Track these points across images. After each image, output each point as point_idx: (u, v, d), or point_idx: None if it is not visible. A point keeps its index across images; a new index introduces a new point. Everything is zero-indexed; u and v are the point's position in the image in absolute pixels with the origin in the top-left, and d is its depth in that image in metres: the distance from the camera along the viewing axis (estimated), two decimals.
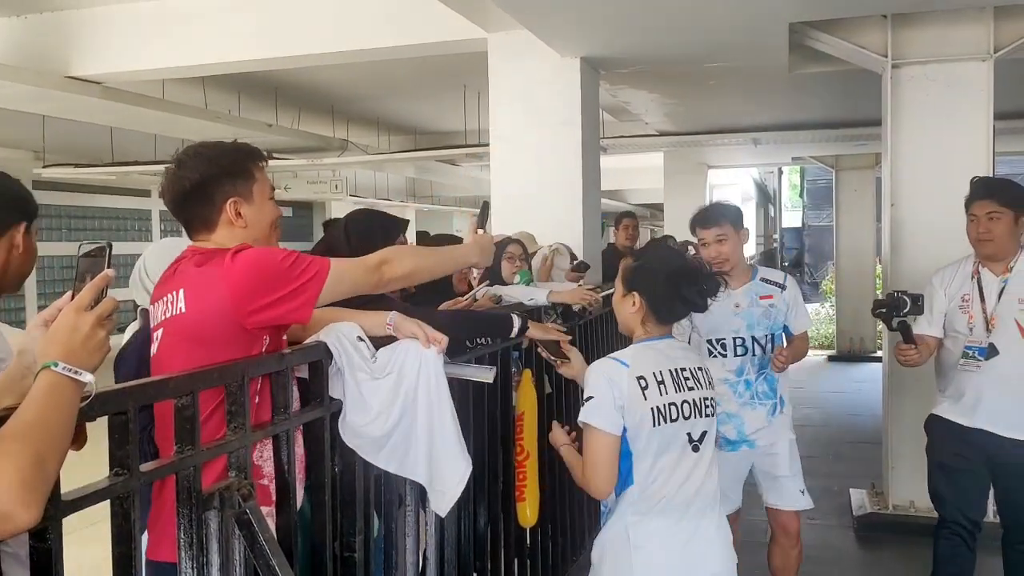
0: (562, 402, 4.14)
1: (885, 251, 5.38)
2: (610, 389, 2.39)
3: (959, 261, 3.73)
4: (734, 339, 3.56)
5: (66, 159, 12.11)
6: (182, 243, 2.64)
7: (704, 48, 5.62)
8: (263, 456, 1.98)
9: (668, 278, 2.49)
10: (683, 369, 2.49)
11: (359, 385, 2.13)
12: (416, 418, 2.20)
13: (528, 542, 3.83)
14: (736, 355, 3.57)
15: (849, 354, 12.50)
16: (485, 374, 2.66)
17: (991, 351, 3.49)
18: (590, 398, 2.42)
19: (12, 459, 1.13)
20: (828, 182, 16.13)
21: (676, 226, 12.35)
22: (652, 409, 2.39)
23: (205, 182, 2.04)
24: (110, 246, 1.42)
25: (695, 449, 2.48)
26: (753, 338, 3.55)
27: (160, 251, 2.63)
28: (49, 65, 6.93)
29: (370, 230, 2.74)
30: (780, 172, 24.21)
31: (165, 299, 1.99)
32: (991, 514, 5.04)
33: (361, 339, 2.16)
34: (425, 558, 2.76)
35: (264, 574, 1.77)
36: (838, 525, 5.28)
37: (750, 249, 24.92)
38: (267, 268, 1.91)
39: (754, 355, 3.56)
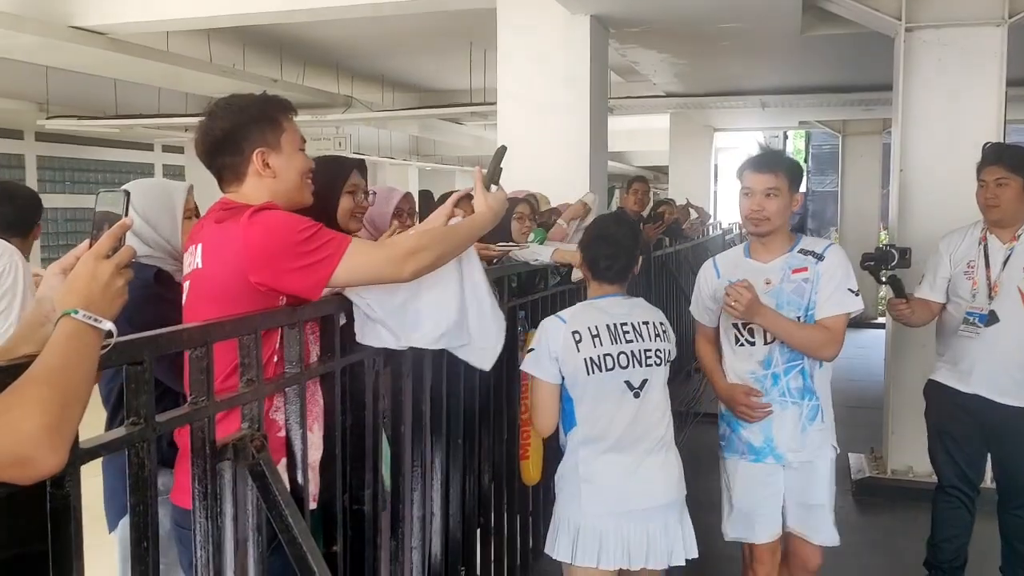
0: None
1: (892, 217, 5.36)
2: (547, 343, 2.74)
3: (968, 227, 3.70)
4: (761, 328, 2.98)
5: (69, 111, 12.02)
6: (169, 183, 2.62)
7: (717, 8, 5.57)
8: (277, 409, 2.00)
9: (592, 241, 2.87)
10: (623, 324, 2.77)
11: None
12: (449, 284, 2.24)
13: (531, 500, 3.87)
14: (766, 342, 2.98)
15: (851, 320, 12.47)
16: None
17: (991, 318, 3.50)
18: (531, 350, 2.80)
19: (38, 403, 1.13)
20: (833, 147, 16.06)
21: (680, 189, 12.31)
22: (585, 360, 2.70)
23: (234, 131, 2.03)
24: (128, 194, 1.41)
25: (636, 395, 2.75)
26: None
27: (149, 192, 2.51)
28: (53, 15, 6.87)
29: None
30: (785, 137, 24.06)
31: (189, 251, 2.03)
32: (988, 480, 5.10)
33: None
34: (432, 513, 2.79)
35: (276, 524, 1.79)
36: (837, 489, 5.30)
37: None
38: (280, 238, 1.88)
39: (783, 342, 2.96)
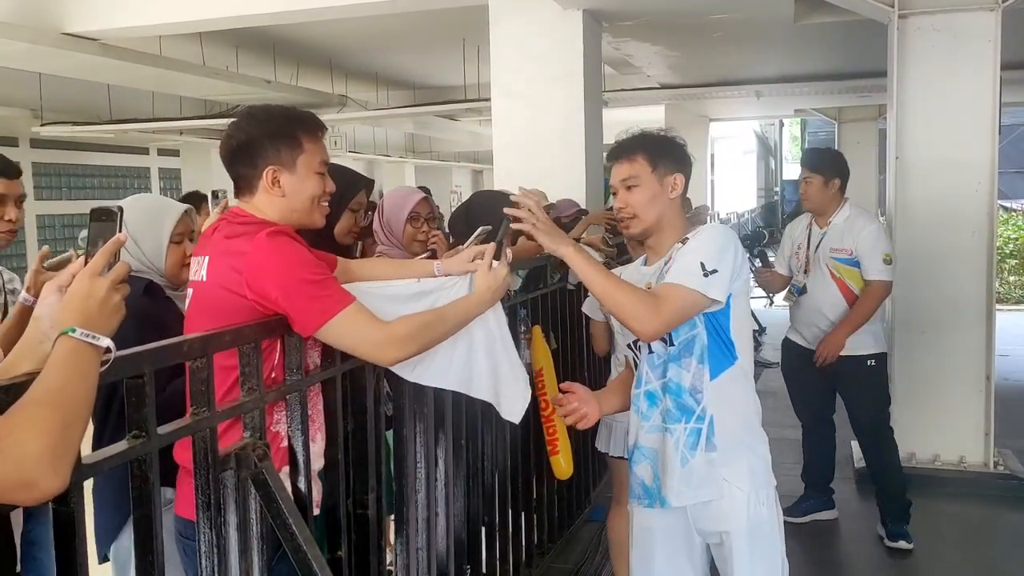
0: (568, 358, 4.16)
1: (890, 203, 5.36)
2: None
3: (807, 214, 4.53)
4: (635, 340, 2.42)
5: (64, 117, 12.00)
6: (166, 203, 2.60)
7: None
8: (279, 421, 2.00)
9: None
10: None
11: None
12: (473, 337, 2.26)
13: (535, 496, 3.88)
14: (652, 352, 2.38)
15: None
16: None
17: (803, 290, 4.43)
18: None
19: (39, 425, 1.13)
20: (829, 134, 16.05)
21: None
22: None
23: (250, 143, 2.01)
24: (121, 210, 1.42)
25: None
26: None
27: (142, 209, 2.50)
28: (45, 22, 6.85)
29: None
30: (781, 124, 24.08)
31: (196, 260, 2.03)
32: (992, 465, 5.12)
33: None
34: (436, 513, 2.80)
35: (280, 533, 1.79)
36: (839, 477, 5.32)
37: (751, 202, 24.88)
38: (284, 274, 1.88)
39: (651, 352, 2.33)
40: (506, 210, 2.25)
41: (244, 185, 2.05)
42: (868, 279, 4.25)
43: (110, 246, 1.35)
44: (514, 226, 2.23)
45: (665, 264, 2.30)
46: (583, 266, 2.23)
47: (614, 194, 2.38)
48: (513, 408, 2.41)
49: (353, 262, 2.41)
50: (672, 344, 2.27)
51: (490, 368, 2.32)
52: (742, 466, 2.28)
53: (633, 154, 2.35)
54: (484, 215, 3.21)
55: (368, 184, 2.82)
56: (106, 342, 1.28)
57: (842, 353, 4.26)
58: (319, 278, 1.90)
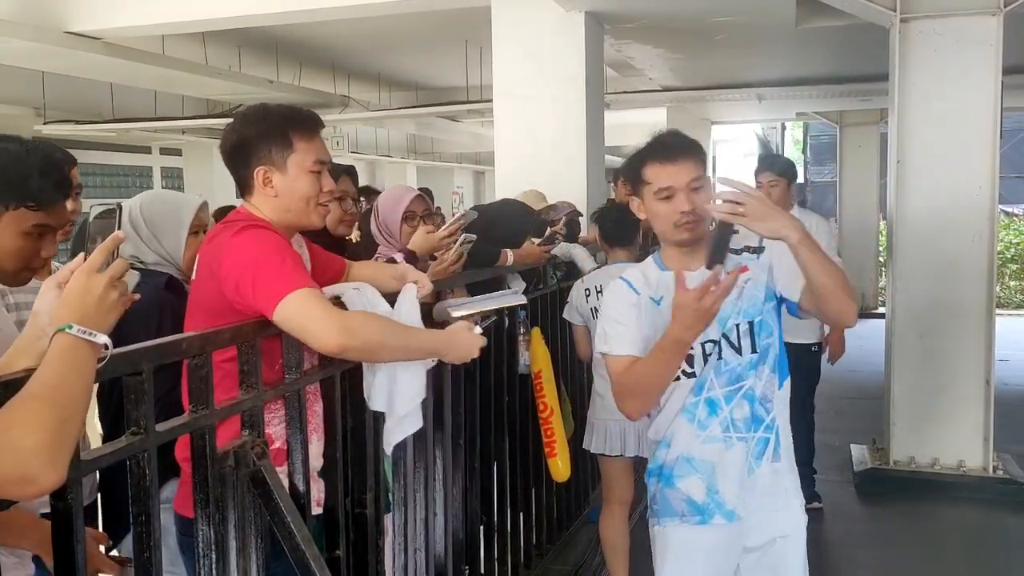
0: (567, 360, 4.17)
1: (891, 208, 5.36)
2: (573, 297, 3.79)
3: None
4: (703, 345, 2.20)
5: (66, 116, 12.00)
6: (183, 197, 2.64)
7: (712, 2, 5.57)
8: (273, 422, 2.00)
9: (600, 213, 3.98)
10: None
11: None
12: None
13: (533, 498, 3.88)
14: (705, 364, 2.25)
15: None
16: (513, 299, 2.58)
17: None
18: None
19: (36, 420, 1.14)
20: (831, 137, 16.03)
21: None
22: (591, 308, 3.61)
23: (242, 144, 2.01)
24: (120, 208, 1.42)
25: None
26: (724, 336, 2.22)
27: (160, 203, 2.57)
28: (49, 21, 6.86)
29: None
30: (783, 127, 24.04)
31: (198, 260, 2.05)
32: (991, 470, 5.12)
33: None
34: (434, 514, 2.80)
35: (279, 531, 1.80)
36: (839, 480, 5.33)
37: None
38: (243, 263, 1.86)
39: (720, 359, 2.21)
40: (717, 208, 2.02)
41: (243, 185, 2.06)
42: None
43: (108, 243, 1.36)
44: (726, 217, 1.99)
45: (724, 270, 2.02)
46: (812, 255, 2.03)
47: (667, 198, 2.16)
48: (390, 435, 2.29)
49: (355, 266, 2.40)
50: (755, 351, 2.21)
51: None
52: (795, 475, 2.31)
53: (700, 154, 2.25)
54: (511, 226, 3.74)
55: (346, 169, 2.83)
56: (103, 339, 1.29)
57: (791, 341, 4.12)
58: (278, 263, 1.85)
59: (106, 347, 1.30)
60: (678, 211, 2.14)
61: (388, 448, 2.34)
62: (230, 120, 2.08)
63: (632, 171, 2.29)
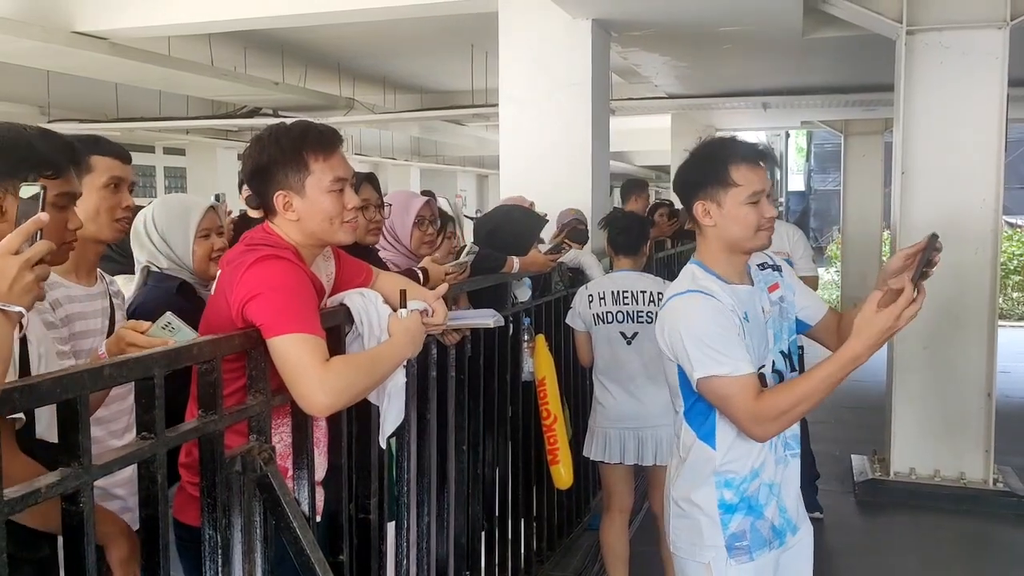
0: (569, 367, 4.17)
1: (895, 218, 5.37)
2: (576, 303, 3.79)
3: None
4: (773, 361, 2.17)
5: (71, 115, 12.03)
6: (192, 200, 2.64)
7: (719, 12, 5.57)
8: (276, 432, 2.00)
9: (608, 222, 3.90)
10: (625, 291, 3.66)
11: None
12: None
13: (535, 504, 3.88)
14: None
15: None
16: (486, 320, 2.52)
17: None
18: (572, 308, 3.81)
19: None
20: (835, 146, 16.06)
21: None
22: (594, 314, 3.70)
23: (260, 169, 1.99)
24: (44, 190, 1.42)
25: (628, 343, 3.63)
26: (783, 354, 2.20)
27: (169, 208, 2.58)
28: (55, 21, 6.87)
29: None
30: (787, 135, 24.03)
31: (219, 272, 2.04)
32: (992, 482, 5.12)
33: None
34: (436, 518, 2.81)
35: (284, 536, 1.80)
36: (839, 490, 5.34)
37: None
38: (257, 291, 1.85)
39: (782, 378, 2.18)
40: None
41: (265, 209, 2.04)
42: (803, 275, 3.94)
43: (28, 225, 1.33)
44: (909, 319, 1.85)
45: (771, 291, 2.16)
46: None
47: (754, 203, 2.07)
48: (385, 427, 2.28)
49: (381, 276, 2.38)
50: (797, 367, 2.21)
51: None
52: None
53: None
54: (515, 231, 3.81)
55: (367, 177, 2.83)
56: (15, 308, 1.29)
57: None
58: (289, 298, 1.84)
59: (21, 315, 1.32)
60: (764, 215, 2.08)
61: (382, 441, 2.33)
62: (248, 144, 2.05)
63: (709, 173, 2.12)
